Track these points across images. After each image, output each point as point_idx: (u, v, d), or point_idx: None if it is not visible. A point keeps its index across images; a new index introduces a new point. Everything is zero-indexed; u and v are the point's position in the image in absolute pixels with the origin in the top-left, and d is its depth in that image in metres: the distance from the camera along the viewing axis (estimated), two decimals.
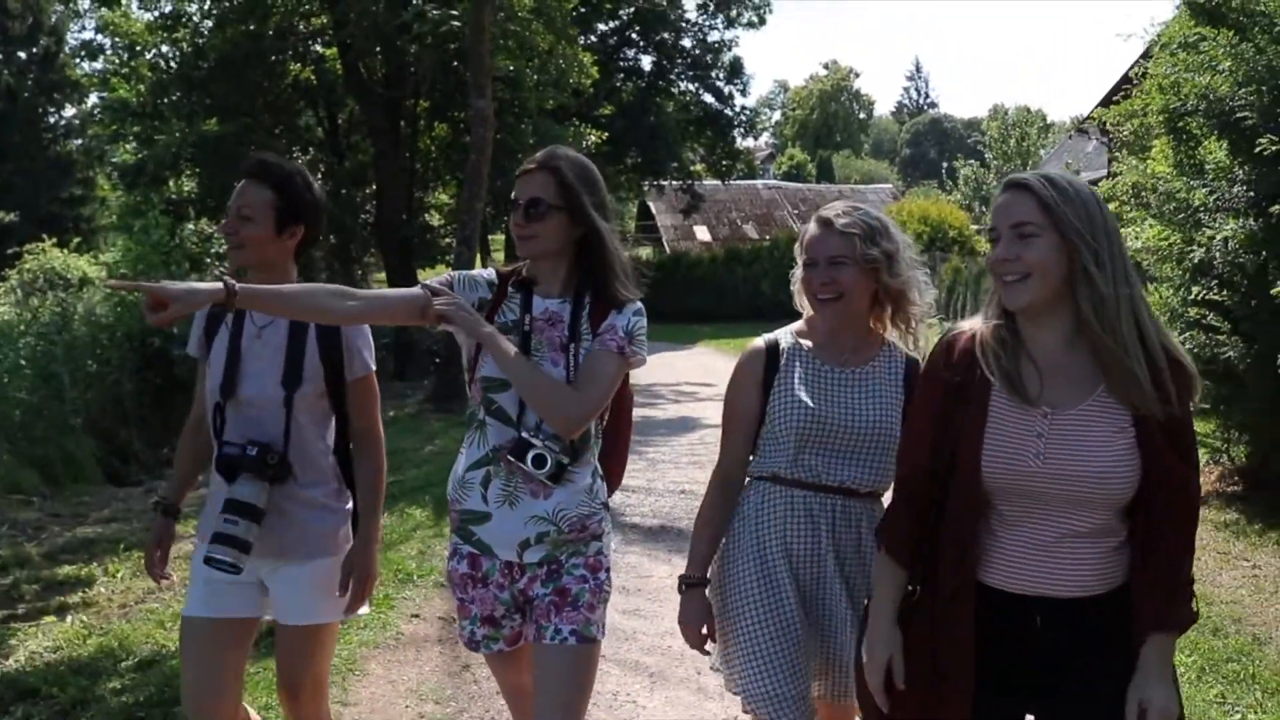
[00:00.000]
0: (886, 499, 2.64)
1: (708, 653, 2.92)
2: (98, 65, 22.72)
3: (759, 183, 43.99)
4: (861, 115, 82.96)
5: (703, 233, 37.79)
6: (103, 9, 18.50)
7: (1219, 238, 5.74)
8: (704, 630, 2.85)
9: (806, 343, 2.86)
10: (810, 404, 2.76)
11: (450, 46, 16.71)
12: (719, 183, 34.53)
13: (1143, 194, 6.41)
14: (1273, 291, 5.48)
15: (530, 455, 2.66)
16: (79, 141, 39.73)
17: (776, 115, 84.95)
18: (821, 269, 2.73)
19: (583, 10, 24.48)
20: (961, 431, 2.20)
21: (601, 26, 30.54)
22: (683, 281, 30.96)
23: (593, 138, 21.51)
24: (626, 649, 5.01)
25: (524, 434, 2.69)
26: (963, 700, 2.17)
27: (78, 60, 39.02)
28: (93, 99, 38.32)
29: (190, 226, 18.99)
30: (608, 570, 2.84)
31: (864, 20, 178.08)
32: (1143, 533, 2.13)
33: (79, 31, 40.73)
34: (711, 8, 31.86)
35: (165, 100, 19.25)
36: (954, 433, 2.21)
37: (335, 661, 4.20)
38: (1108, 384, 2.11)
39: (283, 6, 18.35)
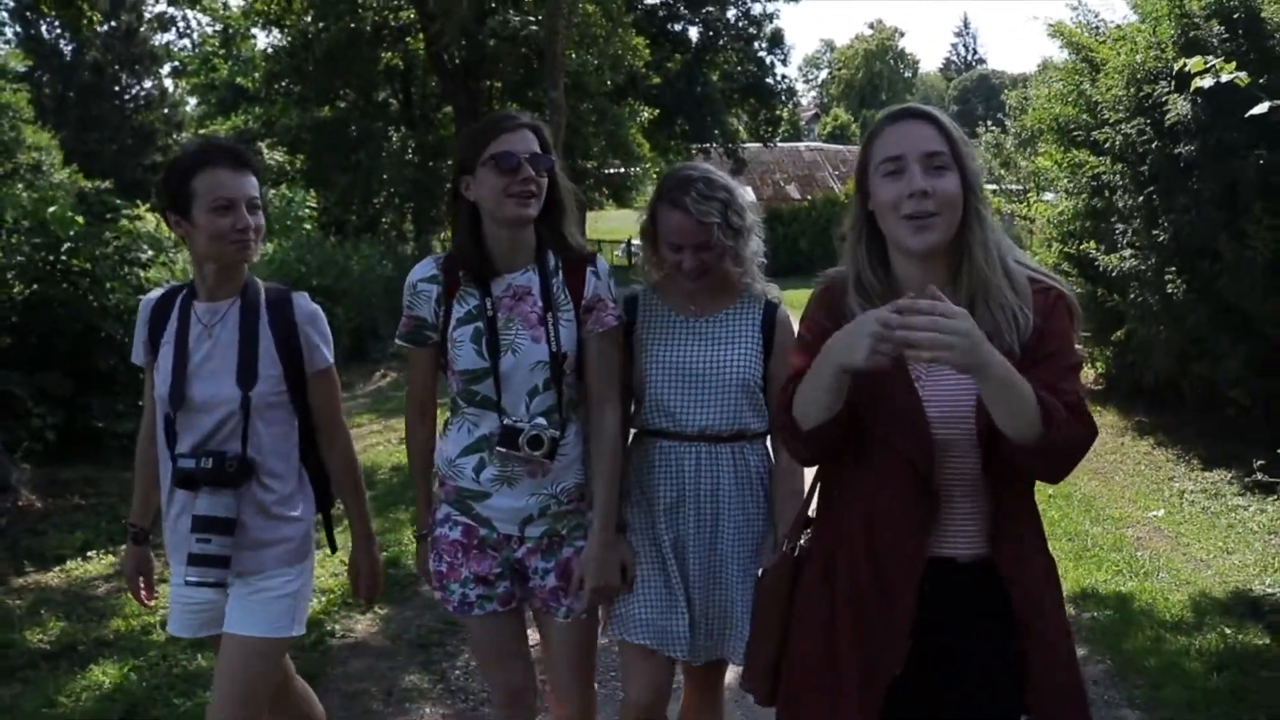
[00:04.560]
0: (749, 444, 2.77)
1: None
2: (183, 43, 25.16)
3: (801, 145, 45.86)
4: (907, 74, 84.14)
5: (747, 193, 39.88)
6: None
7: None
8: (621, 575, 2.78)
9: (660, 298, 2.86)
10: (664, 356, 2.77)
11: (523, 38, 19.50)
12: (762, 145, 36.39)
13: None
14: (1082, 247, 8.38)
15: (522, 439, 2.63)
16: (165, 111, 42.71)
17: (823, 74, 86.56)
18: (688, 255, 2.70)
19: None
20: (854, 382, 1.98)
21: (650, 0, 32.29)
22: None
23: (645, 114, 24.20)
24: None
25: (507, 420, 2.65)
26: (898, 657, 2.02)
27: (157, 34, 42.03)
28: (165, 69, 41.30)
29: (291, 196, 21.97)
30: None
31: None
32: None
33: (154, 5, 43.22)
34: None
35: (278, 86, 22.28)
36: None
37: None
38: (984, 325, 1.89)
39: (376, 3, 21.20)
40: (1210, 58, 5.56)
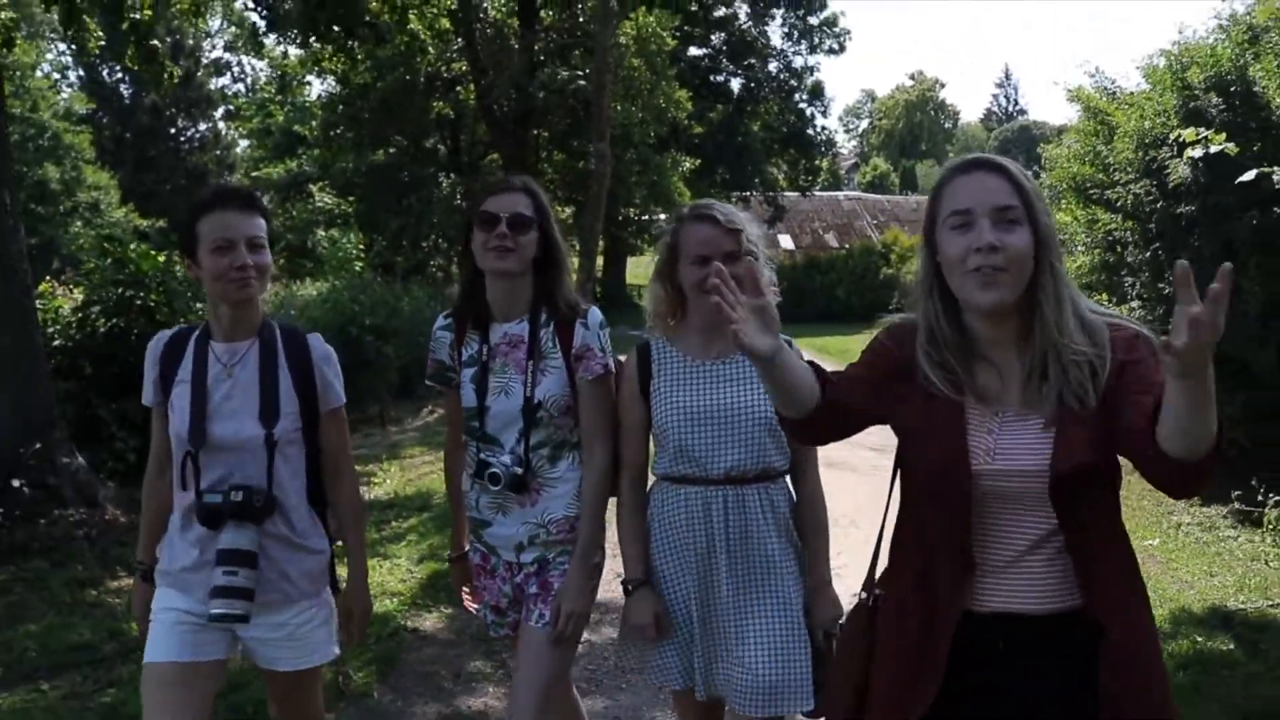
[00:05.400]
0: (773, 484, 2.78)
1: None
2: (237, 87, 26.16)
3: (840, 194, 46.41)
4: (947, 124, 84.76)
5: (786, 241, 40.46)
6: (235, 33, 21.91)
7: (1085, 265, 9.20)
8: (655, 625, 2.80)
9: (673, 345, 2.88)
10: (684, 401, 2.79)
11: (571, 91, 20.35)
12: (801, 194, 36.96)
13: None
14: (1096, 298, 8.86)
15: (487, 474, 2.84)
16: (218, 153, 43.99)
17: (863, 124, 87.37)
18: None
19: (677, 35, 26.85)
20: (907, 429, 2.05)
21: (695, 51, 33.20)
22: None
23: (687, 164, 24.96)
24: None
25: (482, 455, 2.87)
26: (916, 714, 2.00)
27: (213, 79, 43.44)
28: (219, 112, 42.58)
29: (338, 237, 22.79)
30: (596, 567, 2.91)
31: (952, 28, 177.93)
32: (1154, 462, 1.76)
33: (210, 50, 44.70)
34: (796, 35, 34.72)
35: (334, 133, 23.26)
36: (902, 410, 2.07)
37: None
38: (1056, 382, 1.90)
39: (431, 55, 22.13)
40: (1202, 129, 6.13)
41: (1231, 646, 4.85)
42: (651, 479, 2.91)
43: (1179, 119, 7.56)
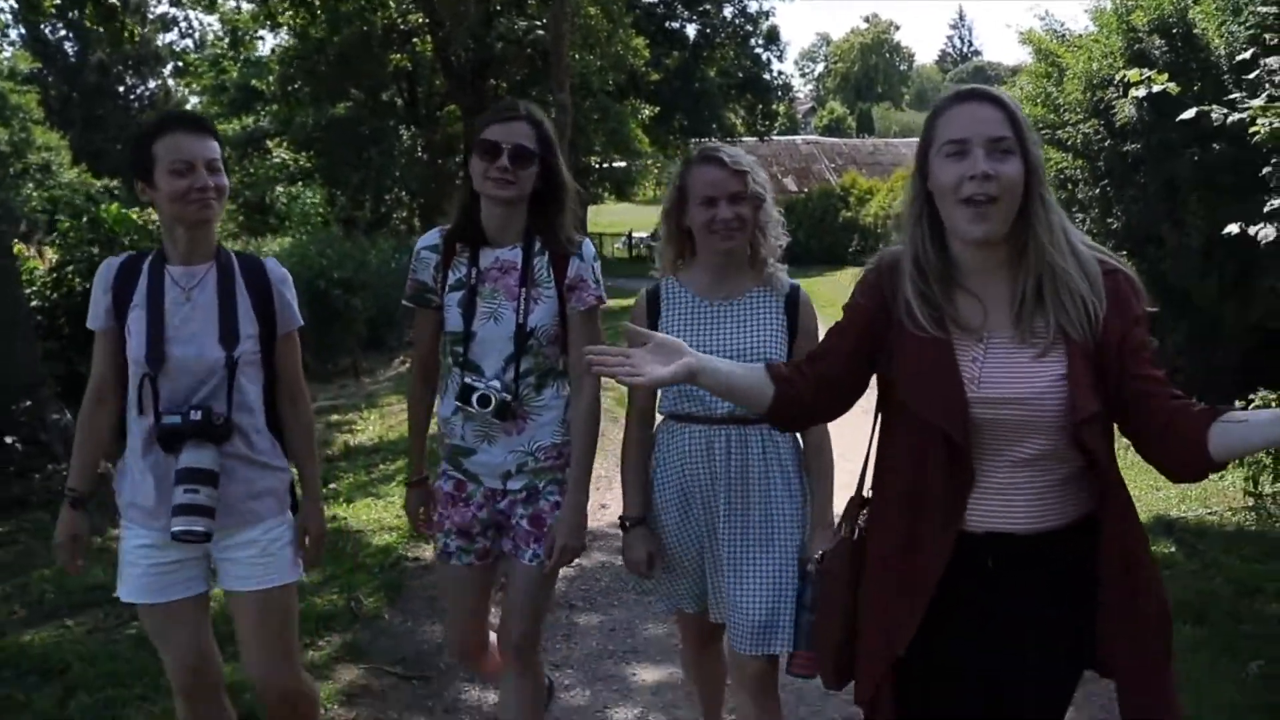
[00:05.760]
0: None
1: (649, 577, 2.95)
2: (186, 42, 25.77)
3: (798, 138, 46.61)
4: (902, 67, 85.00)
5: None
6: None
7: None
8: (648, 563, 2.88)
9: (683, 285, 2.90)
10: (690, 339, 2.67)
11: (529, 40, 20.40)
12: (759, 139, 36.77)
13: None
14: None
15: (474, 396, 2.81)
16: (169, 109, 43.41)
17: (819, 68, 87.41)
18: (724, 206, 2.73)
19: None
20: (895, 360, 2.05)
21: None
22: None
23: (646, 111, 25.07)
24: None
25: (467, 379, 2.84)
26: (904, 637, 2.03)
27: (160, 35, 42.68)
28: (168, 69, 41.88)
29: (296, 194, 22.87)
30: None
31: None
32: (1155, 433, 1.91)
33: (156, 5, 43.85)
34: None
35: (292, 88, 23.15)
36: (886, 359, 2.08)
37: None
38: (1052, 309, 1.94)
39: (392, 9, 22.04)
40: (1146, 70, 6.43)
41: (1173, 549, 5.24)
42: (659, 419, 2.96)
43: (1124, 60, 7.87)
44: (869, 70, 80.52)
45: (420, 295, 2.95)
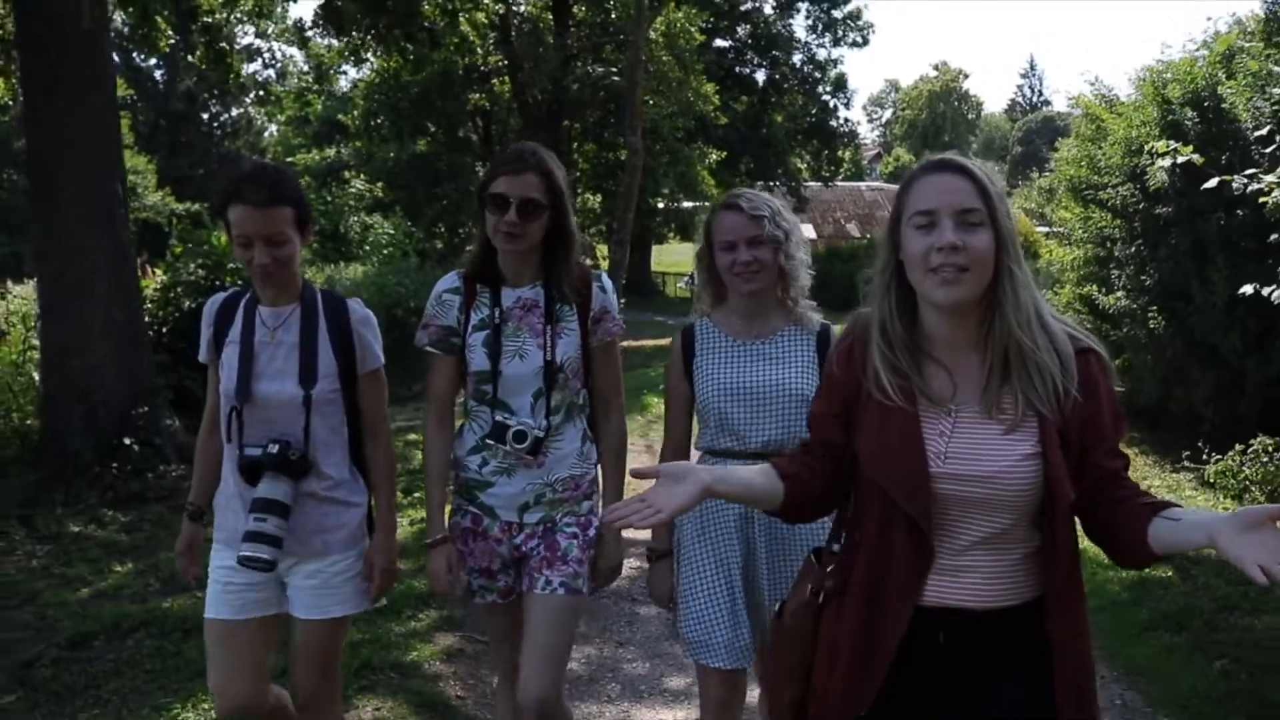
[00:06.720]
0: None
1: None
2: (268, 72, 26.90)
3: (863, 185, 47.04)
4: (971, 115, 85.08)
5: (809, 231, 41.09)
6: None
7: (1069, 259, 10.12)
8: (671, 594, 2.97)
9: (717, 325, 3.00)
10: (724, 378, 2.91)
11: (604, 85, 21.36)
12: (823, 185, 37.67)
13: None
14: (1086, 289, 9.83)
15: (509, 434, 2.82)
16: (249, 138, 44.91)
17: (887, 114, 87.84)
18: (743, 250, 2.84)
19: (704, 29, 27.42)
20: (862, 431, 2.05)
21: (720, 43, 33.73)
22: None
23: (714, 156, 25.84)
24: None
25: (499, 417, 2.84)
26: (864, 702, 2.03)
27: (244, 65, 44.21)
28: (250, 97, 43.32)
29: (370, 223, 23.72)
30: (598, 528, 2.96)
31: (977, 20, 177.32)
32: (1102, 529, 1.97)
33: (242, 36, 45.50)
34: (820, 28, 35.36)
35: (375, 122, 24.33)
36: (856, 423, 2.08)
37: None
38: (1019, 385, 1.95)
39: (480, 53, 23.11)
40: (1173, 141, 7.02)
41: (1169, 574, 5.77)
42: (696, 454, 3.04)
43: (1159, 129, 8.45)
44: (936, 118, 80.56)
45: (446, 340, 2.94)
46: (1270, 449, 6.78)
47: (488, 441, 2.86)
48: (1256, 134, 7.31)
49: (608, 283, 2.96)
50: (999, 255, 1.93)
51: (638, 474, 2.06)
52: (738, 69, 34.58)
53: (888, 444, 2.00)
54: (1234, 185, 6.33)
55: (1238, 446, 7.11)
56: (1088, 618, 2.05)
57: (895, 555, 2.00)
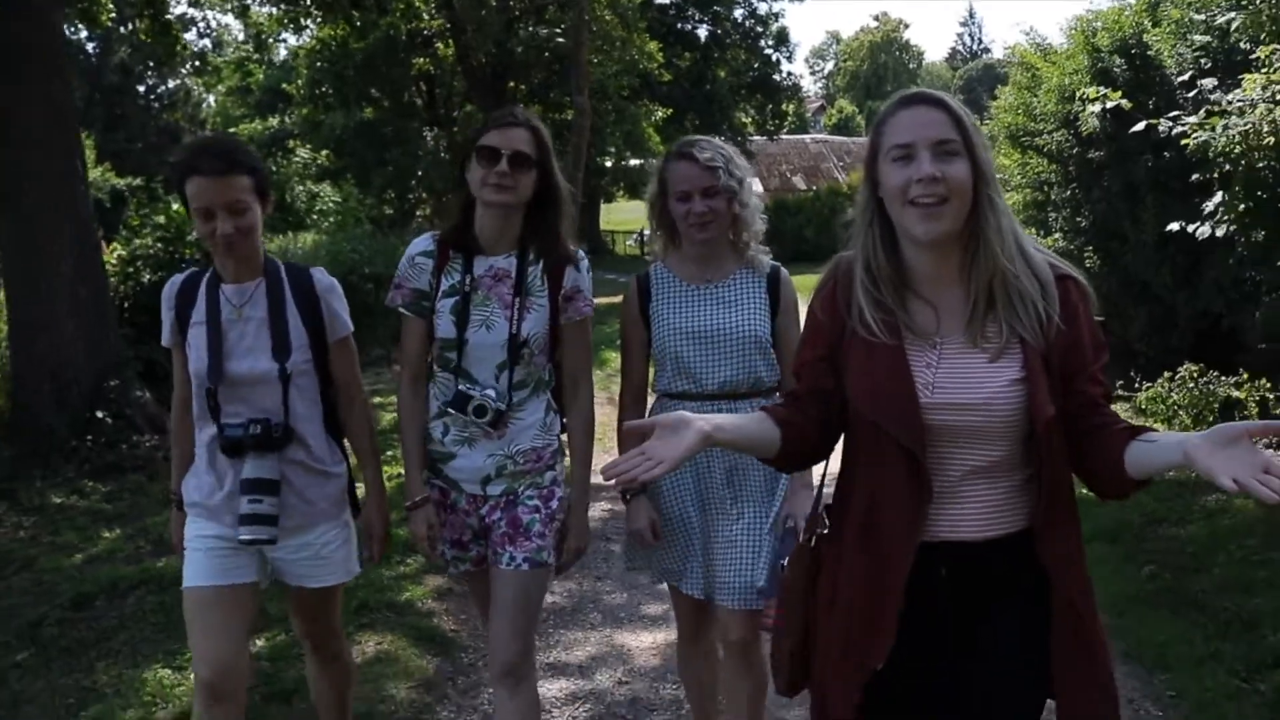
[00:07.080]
0: (764, 399, 2.92)
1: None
2: (203, 42, 26.76)
3: (807, 137, 46.97)
4: (912, 65, 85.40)
5: (755, 185, 41.02)
6: None
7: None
8: (651, 531, 2.99)
9: (671, 270, 3.05)
10: (679, 322, 2.97)
11: (549, 46, 21.42)
12: (768, 138, 37.45)
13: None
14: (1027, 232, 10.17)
15: (470, 406, 2.81)
16: (189, 109, 44.11)
17: (829, 66, 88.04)
18: (698, 201, 2.87)
19: None
20: (849, 370, 2.05)
21: (661, 0, 33.30)
22: None
23: (659, 113, 25.97)
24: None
25: (462, 386, 2.82)
26: (881, 650, 1.99)
27: (184, 35, 43.43)
28: (187, 67, 42.63)
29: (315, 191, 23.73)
30: (560, 499, 2.95)
31: None
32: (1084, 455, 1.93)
33: (176, 5, 44.54)
34: None
35: (319, 90, 24.19)
36: (843, 364, 2.07)
37: None
38: (1003, 313, 1.95)
39: (413, 14, 22.98)
40: (1103, 87, 7.37)
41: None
42: (652, 397, 3.11)
43: (1090, 76, 8.83)
44: (878, 69, 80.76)
45: (417, 303, 2.91)
46: (1195, 375, 7.23)
47: (449, 410, 2.85)
48: (1180, 79, 7.70)
49: (584, 262, 2.95)
50: (978, 185, 1.94)
51: (631, 428, 2.07)
52: (680, 25, 34.28)
53: (876, 379, 2.00)
54: (1160, 128, 6.69)
55: (1166, 374, 7.55)
56: (1082, 544, 2.05)
57: (892, 493, 2.00)
